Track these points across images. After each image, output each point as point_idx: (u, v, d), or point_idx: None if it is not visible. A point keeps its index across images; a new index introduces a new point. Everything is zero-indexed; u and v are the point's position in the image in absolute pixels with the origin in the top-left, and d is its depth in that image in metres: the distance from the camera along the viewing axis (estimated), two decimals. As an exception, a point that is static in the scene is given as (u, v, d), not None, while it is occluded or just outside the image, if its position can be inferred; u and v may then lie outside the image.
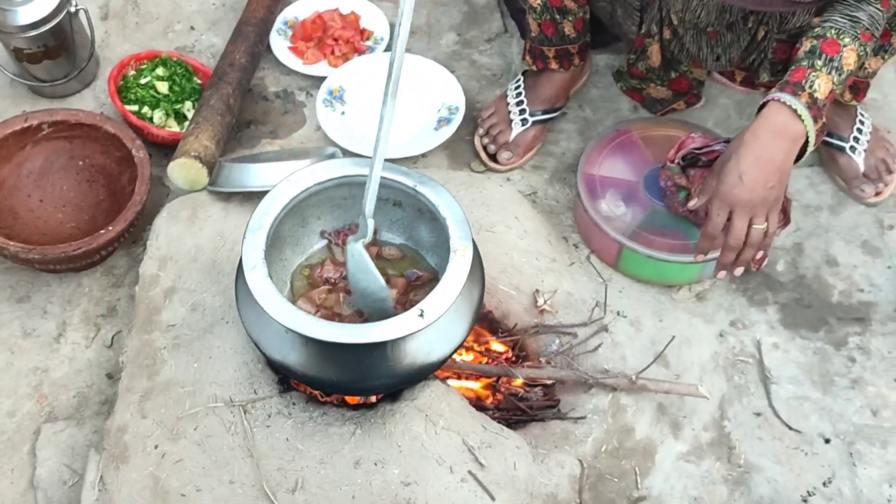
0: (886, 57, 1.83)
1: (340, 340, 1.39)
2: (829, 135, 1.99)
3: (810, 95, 1.54)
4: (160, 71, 2.07)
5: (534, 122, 2.04)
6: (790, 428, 1.73)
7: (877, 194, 1.98)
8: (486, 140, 2.06)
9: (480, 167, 2.03)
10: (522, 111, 2.04)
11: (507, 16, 2.27)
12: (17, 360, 1.81)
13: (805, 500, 1.65)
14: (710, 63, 1.92)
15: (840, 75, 1.57)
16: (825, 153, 2.01)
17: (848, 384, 1.77)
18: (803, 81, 1.56)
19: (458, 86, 2.10)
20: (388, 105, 1.43)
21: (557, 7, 1.88)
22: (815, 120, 1.56)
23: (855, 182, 1.98)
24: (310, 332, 1.39)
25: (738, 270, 1.64)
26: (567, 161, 2.04)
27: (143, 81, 2.05)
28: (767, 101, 1.57)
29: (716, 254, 1.76)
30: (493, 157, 2.04)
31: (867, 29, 1.57)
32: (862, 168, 1.97)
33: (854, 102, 1.93)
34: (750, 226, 1.58)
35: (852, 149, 1.98)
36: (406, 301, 1.57)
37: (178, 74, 2.08)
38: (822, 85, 1.56)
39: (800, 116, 1.53)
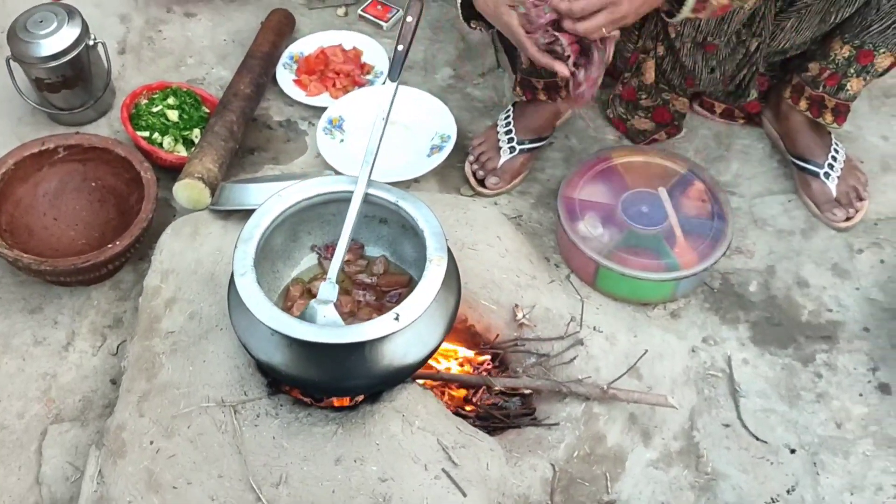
0: (868, 78, 1.89)
1: (321, 341, 1.44)
2: (806, 160, 2.05)
3: None
4: (171, 100, 2.16)
5: (521, 151, 2.11)
6: (757, 438, 1.76)
7: (847, 219, 2.02)
8: (475, 166, 2.13)
9: (469, 192, 2.11)
10: (511, 139, 2.11)
11: (500, 51, 2.35)
12: (28, 366, 1.87)
13: None
14: (703, 77, 1.99)
15: None
16: (800, 178, 2.07)
17: (814, 398, 1.81)
18: None
19: (450, 116, 2.18)
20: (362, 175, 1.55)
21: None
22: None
23: (827, 207, 2.03)
24: (292, 332, 1.43)
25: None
26: (551, 187, 2.10)
27: (154, 110, 2.13)
28: None
29: (687, 272, 1.85)
30: (482, 183, 2.11)
31: None
32: (834, 194, 2.02)
33: (835, 125, 1.99)
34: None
35: (826, 175, 2.03)
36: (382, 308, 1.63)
37: (188, 104, 2.16)
38: None
39: None
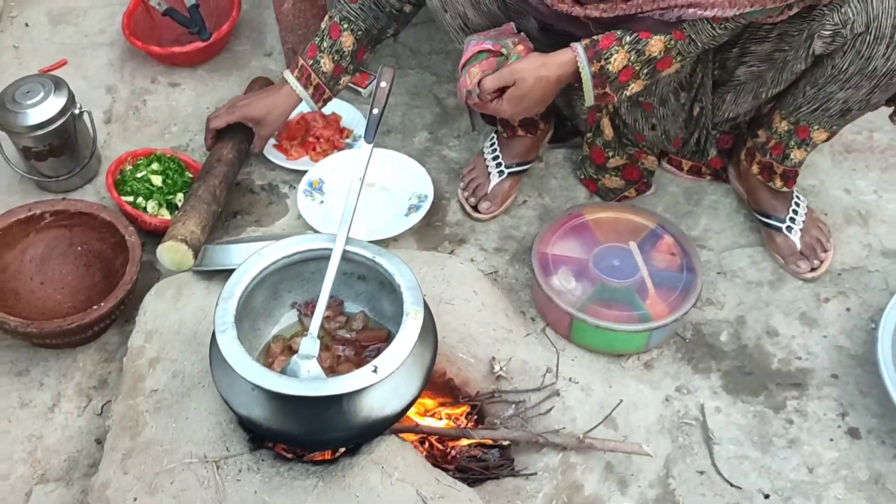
0: (808, 149, 1.94)
1: (299, 394, 1.47)
2: (768, 216, 2.08)
3: (602, 67, 1.72)
4: (155, 166, 2.18)
5: (509, 174, 2.18)
6: (731, 485, 1.76)
7: (812, 270, 2.05)
8: (466, 193, 2.20)
9: (447, 249, 2.13)
10: (499, 164, 2.19)
11: (475, 116, 2.38)
12: (14, 428, 1.87)
13: None
14: (647, 133, 2.05)
15: (640, 56, 1.71)
16: (765, 233, 2.11)
17: (785, 444, 1.82)
18: (604, 51, 1.72)
19: (427, 177, 2.22)
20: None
21: None
22: (596, 84, 1.76)
23: (791, 259, 2.06)
24: (273, 387, 1.46)
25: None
26: (527, 244, 2.13)
27: (138, 175, 2.16)
28: (572, 48, 1.76)
29: (658, 322, 1.88)
30: (475, 209, 2.18)
31: (683, 30, 1.69)
32: (798, 246, 2.05)
33: (785, 189, 2.04)
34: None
35: (788, 228, 2.06)
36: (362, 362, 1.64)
37: (172, 169, 2.19)
38: (619, 60, 1.71)
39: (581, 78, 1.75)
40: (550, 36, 1.86)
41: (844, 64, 1.74)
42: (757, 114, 2.03)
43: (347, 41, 2.06)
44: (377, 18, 2.05)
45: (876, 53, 1.70)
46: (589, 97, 1.79)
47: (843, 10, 1.68)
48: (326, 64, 2.08)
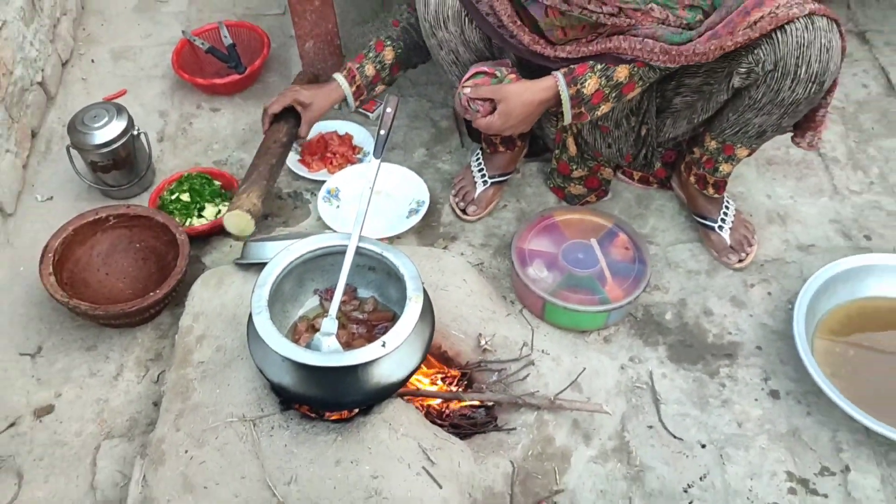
0: (734, 163, 1.94)
1: (321, 364, 1.47)
2: (704, 218, 2.08)
3: (578, 90, 1.73)
4: (184, 186, 2.15)
5: (492, 183, 2.17)
6: (675, 437, 1.76)
7: (740, 261, 2.05)
8: (457, 199, 2.19)
9: (442, 245, 2.12)
10: (483, 175, 2.18)
11: (464, 135, 2.38)
12: (85, 394, 1.86)
13: (686, 491, 1.68)
14: (604, 150, 2.04)
15: (609, 81, 1.71)
16: (701, 231, 2.10)
17: (719, 404, 1.82)
18: (580, 77, 1.72)
19: (424, 186, 2.21)
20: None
21: None
22: (573, 105, 1.76)
23: (723, 252, 2.06)
24: (300, 358, 1.46)
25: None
26: (507, 240, 2.12)
27: (172, 198, 2.13)
28: (553, 75, 1.76)
29: (615, 304, 1.87)
30: (464, 212, 2.17)
31: (645, 62, 1.70)
32: (728, 242, 2.05)
33: (717, 195, 2.03)
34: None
35: (720, 227, 2.06)
36: (372, 338, 1.64)
37: (198, 183, 2.16)
38: (592, 84, 1.71)
39: (562, 99, 1.76)
40: (525, 69, 1.86)
41: (758, 95, 1.74)
42: (693, 134, 2.02)
43: (389, 55, 2.05)
44: (411, 41, 2.05)
45: (783, 87, 1.70)
46: (567, 116, 1.79)
47: (755, 51, 1.68)
48: (369, 70, 2.06)
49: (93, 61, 2.70)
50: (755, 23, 1.64)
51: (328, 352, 1.53)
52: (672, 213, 2.20)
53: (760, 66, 1.69)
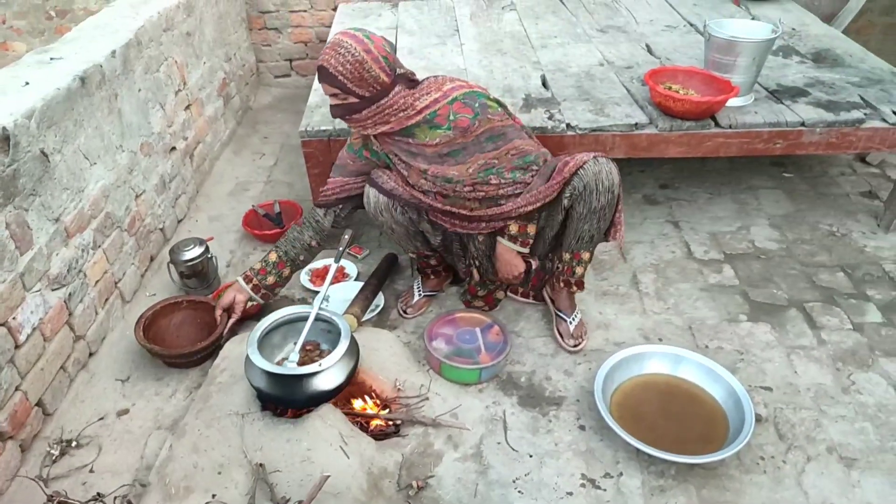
0: (584, 266, 2.08)
1: (280, 372, 1.72)
2: (563, 312, 2.21)
3: (516, 238, 2.01)
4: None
5: (425, 296, 2.39)
6: (513, 449, 1.88)
7: (576, 346, 2.19)
8: (401, 304, 2.39)
9: (389, 329, 2.37)
10: (420, 291, 2.39)
11: (414, 269, 2.64)
12: (149, 404, 2.05)
13: (514, 482, 1.79)
14: (490, 271, 2.29)
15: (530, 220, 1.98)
16: (557, 321, 2.22)
17: (546, 432, 1.94)
18: (517, 234, 1.99)
19: (382, 297, 2.47)
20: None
21: (425, 258, 2.35)
22: (523, 245, 1.99)
23: (566, 337, 2.20)
24: (268, 368, 1.72)
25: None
26: (424, 325, 2.32)
27: None
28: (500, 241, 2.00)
29: (485, 365, 2.07)
30: (404, 312, 2.35)
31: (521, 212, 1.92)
32: (572, 331, 2.20)
33: (578, 291, 2.17)
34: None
35: (571, 321, 2.21)
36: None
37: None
38: (514, 228, 1.99)
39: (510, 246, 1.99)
40: (438, 228, 2.18)
41: (580, 208, 1.92)
42: (549, 249, 2.16)
43: (286, 271, 2.14)
44: (301, 251, 2.13)
45: (592, 199, 1.91)
46: (516, 247, 2.04)
47: (572, 183, 1.89)
48: (270, 280, 2.15)
49: (196, 221, 3.07)
50: (567, 171, 1.98)
51: (287, 368, 1.82)
52: (536, 319, 2.40)
53: (576, 189, 1.90)
